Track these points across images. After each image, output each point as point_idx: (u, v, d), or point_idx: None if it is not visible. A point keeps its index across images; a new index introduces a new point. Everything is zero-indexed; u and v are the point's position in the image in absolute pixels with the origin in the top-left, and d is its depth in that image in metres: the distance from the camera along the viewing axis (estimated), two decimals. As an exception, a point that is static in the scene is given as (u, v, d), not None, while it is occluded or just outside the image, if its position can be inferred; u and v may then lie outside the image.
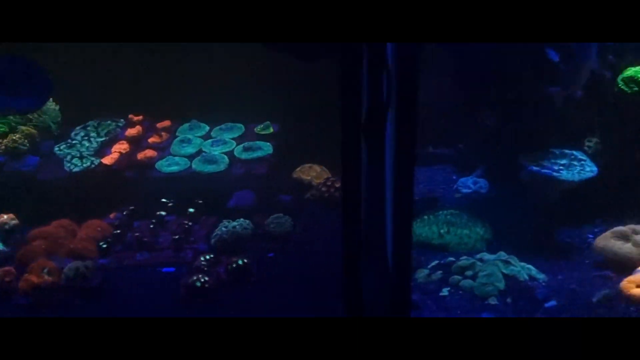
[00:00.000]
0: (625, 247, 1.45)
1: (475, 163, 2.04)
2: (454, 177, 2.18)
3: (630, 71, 1.64)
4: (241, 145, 2.05)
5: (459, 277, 1.40)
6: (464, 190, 1.99)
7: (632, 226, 1.53)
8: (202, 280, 1.41)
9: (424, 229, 1.67)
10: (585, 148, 1.67)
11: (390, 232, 1.20)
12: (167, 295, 1.52)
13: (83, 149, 1.96)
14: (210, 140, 2.10)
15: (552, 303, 1.31)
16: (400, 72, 1.09)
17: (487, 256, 1.47)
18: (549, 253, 1.59)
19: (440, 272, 1.45)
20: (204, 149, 2.04)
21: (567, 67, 1.56)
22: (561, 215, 1.67)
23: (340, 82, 1.05)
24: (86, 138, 2.04)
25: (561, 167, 1.57)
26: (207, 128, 2.18)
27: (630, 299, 1.30)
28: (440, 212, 1.70)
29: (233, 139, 2.11)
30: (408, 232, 1.18)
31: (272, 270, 1.64)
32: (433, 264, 1.52)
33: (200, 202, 1.85)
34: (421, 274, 1.48)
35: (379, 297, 1.19)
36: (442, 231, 1.61)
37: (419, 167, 2.27)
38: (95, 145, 2.00)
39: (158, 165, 1.93)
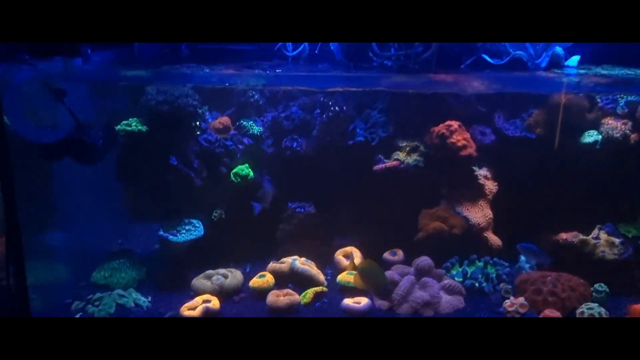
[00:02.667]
0: (205, 284, 2.28)
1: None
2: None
3: (236, 169, 2.52)
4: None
5: (91, 306, 2.14)
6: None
7: (220, 270, 2.36)
8: None
9: (98, 274, 2.41)
10: (213, 217, 2.53)
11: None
12: None
13: None
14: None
15: (137, 320, 2.09)
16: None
17: (119, 292, 2.23)
18: (174, 288, 2.39)
19: (83, 302, 2.19)
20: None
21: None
22: (194, 261, 2.48)
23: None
24: None
25: (184, 232, 2.39)
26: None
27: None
28: (113, 261, 2.45)
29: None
30: (22, 274, 1.87)
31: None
32: (88, 297, 2.25)
33: None
34: (75, 303, 2.21)
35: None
36: (106, 275, 2.36)
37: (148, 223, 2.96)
38: None
39: None
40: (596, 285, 2.20)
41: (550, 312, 2.12)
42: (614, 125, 2.35)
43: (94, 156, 2.05)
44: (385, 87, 2.39)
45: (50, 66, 2.00)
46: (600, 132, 2.37)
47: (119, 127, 2.21)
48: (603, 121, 2.37)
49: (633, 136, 2.34)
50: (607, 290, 2.18)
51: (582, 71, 2.44)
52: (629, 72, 2.40)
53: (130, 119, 2.26)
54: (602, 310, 2.10)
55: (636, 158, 2.34)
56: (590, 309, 2.11)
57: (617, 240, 2.31)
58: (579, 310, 2.12)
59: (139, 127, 2.22)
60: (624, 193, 2.37)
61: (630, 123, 2.34)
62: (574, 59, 2.67)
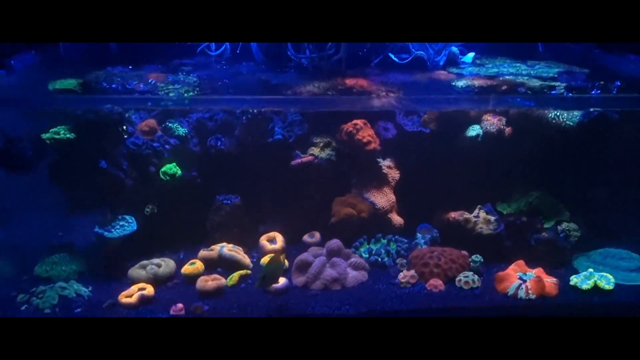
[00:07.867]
0: (140, 273, 2.55)
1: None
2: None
3: (165, 167, 2.75)
4: None
5: (35, 298, 2.37)
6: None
7: (154, 259, 2.63)
8: None
9: (40, 267, 2.62)
10: (145, 212, 2.76)
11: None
12: None
13: None
14: None
15: (79, 310, 2.34)
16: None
17: (61, 284, 2.46)
18: (113, 278, 2.65)
19: (27, 295, 2.41)
20: None
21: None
22: (130, 253, 2.73)
23: None
24: None
25: (118, 228, 2.63)
26: None
27: (124, 305, 2.37)
28: (54, 255, 2.66)
29: None
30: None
31: None
32: (32, 290, 2.47)
33: None
34: (20, 296, 2.42)
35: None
36: (47, 269, 2.58)
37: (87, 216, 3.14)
38: None
39: None
40: (473, 257, 2.65)
41: (434, 282, 2.56)
42: (491, 122, 2.75)
43: (25, 166, 2.23)
44: (301, 107, 2.66)
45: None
46: (481, 127, 2.77)
47: (46, 135, 2.37)
48: (483, 117, 2.76)
49: (507, 130, 2.76)
50: (482, 260, 2.64)
51: (474, 70, 2.80)
52: (516, 65, 2.80)
53: (58, 127, 2.42)
54: (475, 277, 2.56)
55: (509, 148, 2.76)
56: (466, 277, 2.56)
57: (492, 218, 2.76)
58: (457, 278, 2.58)
59: (67, 135, 2.39)
60: (500, 177, 2.81)
61: (504, 119, 2.75)
62: (469, 56, 3.04)
